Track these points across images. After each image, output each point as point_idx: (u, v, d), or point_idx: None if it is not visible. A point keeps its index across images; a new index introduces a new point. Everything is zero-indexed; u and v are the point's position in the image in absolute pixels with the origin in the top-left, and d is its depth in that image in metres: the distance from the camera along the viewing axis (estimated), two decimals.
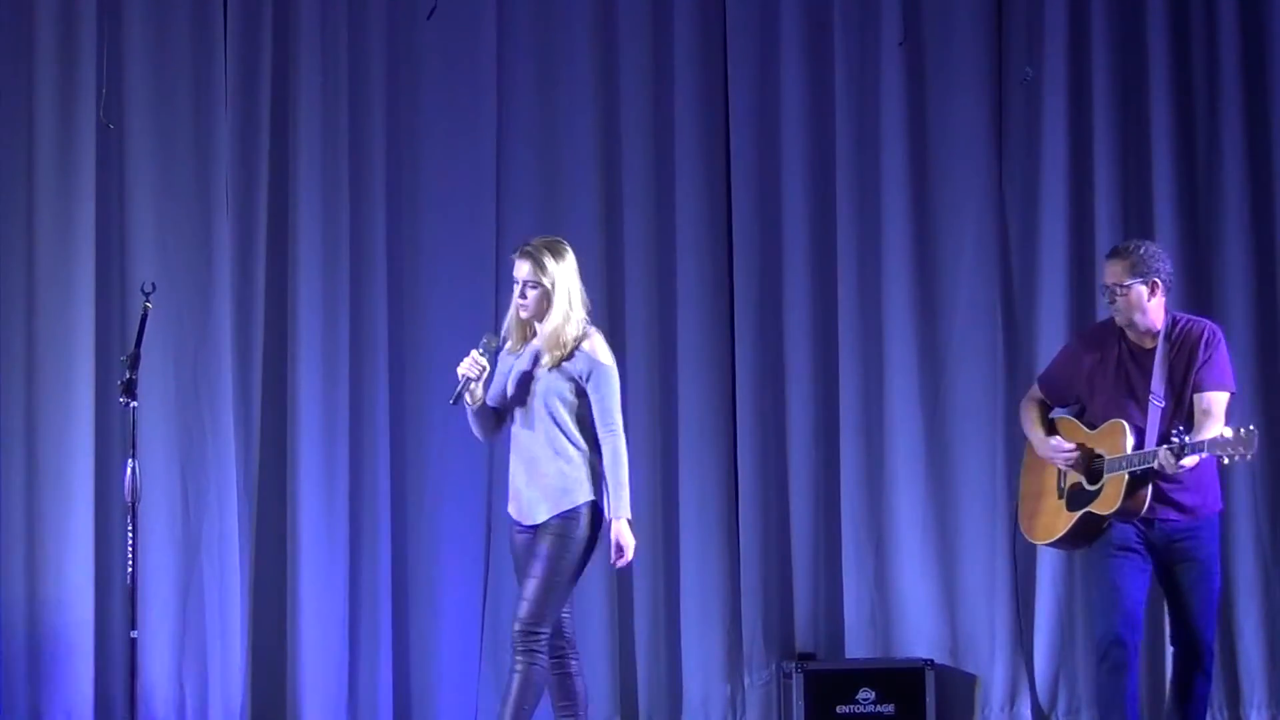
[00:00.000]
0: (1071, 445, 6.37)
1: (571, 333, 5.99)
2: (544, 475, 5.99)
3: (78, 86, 7.57)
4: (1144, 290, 6.28)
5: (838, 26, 8.11)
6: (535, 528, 6.00)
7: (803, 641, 8.01)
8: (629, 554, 6.01)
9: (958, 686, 7.97)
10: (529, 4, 8.03)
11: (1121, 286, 6.29)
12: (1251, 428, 5.93)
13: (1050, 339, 7.99)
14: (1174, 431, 6.11)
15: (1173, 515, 6.24)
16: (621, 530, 5.98)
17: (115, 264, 7.64)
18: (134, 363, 6.52)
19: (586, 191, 8.00)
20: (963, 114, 8.13)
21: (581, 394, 6.00)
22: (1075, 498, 6.35)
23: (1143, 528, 6.25)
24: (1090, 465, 6.33)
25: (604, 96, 8.03)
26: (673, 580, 7.96)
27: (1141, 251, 6.33)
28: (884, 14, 8.11)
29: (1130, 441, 6.20)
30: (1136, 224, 8.11)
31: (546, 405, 5.99)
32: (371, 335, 7.79)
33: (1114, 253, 6.42)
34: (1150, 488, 6.17)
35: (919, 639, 7.98)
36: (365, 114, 7.83)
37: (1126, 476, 6.16)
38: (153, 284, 6.82)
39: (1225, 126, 8.10)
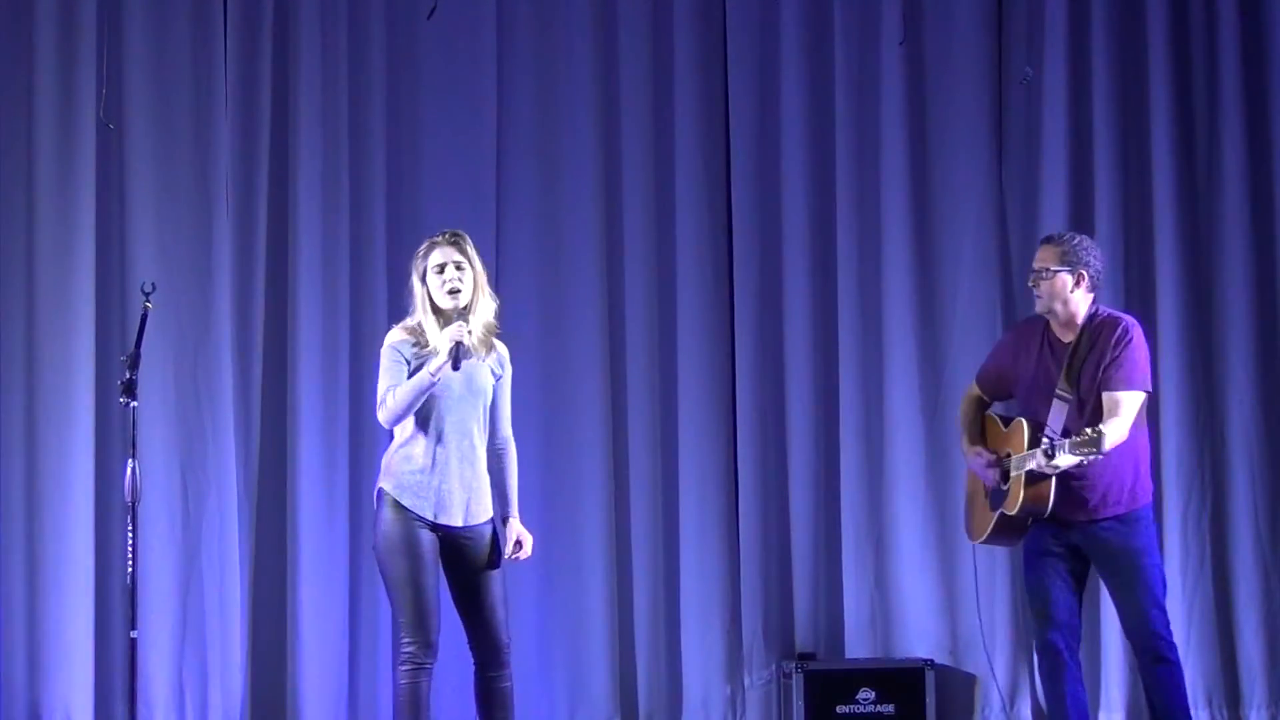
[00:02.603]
0: (989, 455, 6.36)
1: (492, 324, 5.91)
2: (478, 475, 5.86)
3: (78, 86, 7.57)
4: (1069, 279, 6.21)
5: (838, 26, 8.12)
6: (465, 530, 5.83)
7: (803, 641, 8.00)
8: (529, 548, 5.96)
9: (958, 686, 7.97)
10: (529, 4, 8.03)
11: (1047, 271, 6.22)
12: (1099, 429, 5.88)
13: None
14: (1048, 432, 6.08)
15: (1082, 517, 6.20)
16: (521, 528, 5.95)
17: (115, 264, 7.64)
18: (134, 363, 6.51)
19: (586, 191, 7.99)
20: (963, 114, 8.14)
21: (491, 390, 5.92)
22: (994, 497, 6.36)
23: (1060, 529, 6.22)
24: (1001, 464, 6.34)
25: (604, 96, 8.03)
26: (673, 580, 7.96)
27: (1074, 242, 6.28)
28: (884, 14, 8.11)
29: (1028, 439, 6.19)
30: (1136, 224, 8.12)
31: (482, 400, 5.86)
32: (372, 335, 7.76)
33: (1046, 239, 6.37)
34: (1054, 485, 6.12)
35: (919, 639, 7.98)
36: (365, 114, 7.83)
37: (1024, 475, 6.16)
38: (153, 284, 6.80)
39: (1225, 126, 8.10)
